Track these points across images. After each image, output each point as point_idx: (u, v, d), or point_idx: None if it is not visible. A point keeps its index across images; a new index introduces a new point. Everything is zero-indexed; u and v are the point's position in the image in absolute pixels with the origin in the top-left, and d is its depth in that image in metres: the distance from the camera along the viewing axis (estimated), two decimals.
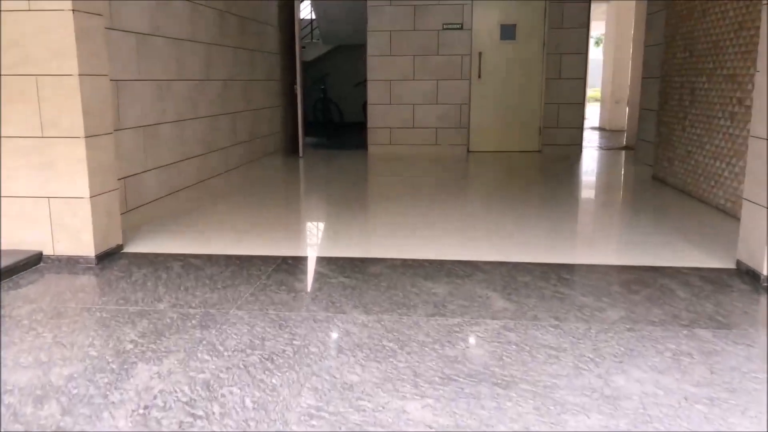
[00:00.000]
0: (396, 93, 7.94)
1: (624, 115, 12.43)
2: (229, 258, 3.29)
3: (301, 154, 7.53)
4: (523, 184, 5.66)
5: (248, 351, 2.18)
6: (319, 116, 11.18)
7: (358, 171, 6.59)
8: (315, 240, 3.78)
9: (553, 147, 7.95)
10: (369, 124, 8.06)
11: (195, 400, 1.85)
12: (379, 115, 8.02)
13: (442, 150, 8.02)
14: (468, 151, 8.07)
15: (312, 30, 11.99)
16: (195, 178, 5.03)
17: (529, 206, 4.58)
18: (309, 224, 4.21)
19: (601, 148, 8.77)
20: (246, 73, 6.21)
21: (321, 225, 4.20)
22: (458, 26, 7.75)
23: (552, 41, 7.73)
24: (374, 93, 7.97)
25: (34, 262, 3.12)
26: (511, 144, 8.07)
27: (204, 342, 2.26)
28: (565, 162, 7.17)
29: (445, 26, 7.77)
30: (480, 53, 7.88)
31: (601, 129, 12.03)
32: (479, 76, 7.94)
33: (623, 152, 8.08)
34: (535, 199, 4.90)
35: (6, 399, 1.86)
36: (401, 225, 3.99)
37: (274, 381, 1.96)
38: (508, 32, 7.86)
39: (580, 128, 7.91)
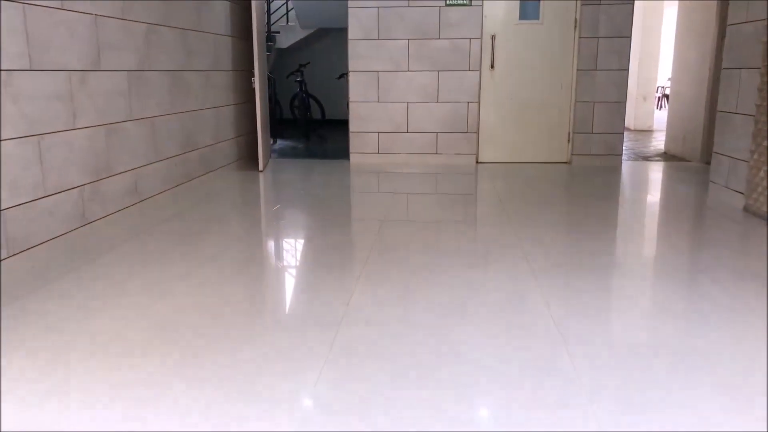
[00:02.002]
0: (385, 88, 6.19)
1: (651, 113, 10.78)
2: None
3: (261, 168, 5.78)
4: (561, 218, 3.95)
5: None
6: (298, 114, 9.41)
7: (334, 195, 4.85)
8: (233, 384, 2.04)
9: (585, 158, 6.23)
10: (351, 128, 6.32)
11: None
12: (363, 117, 6.27)
13: (444, 161, 6.29)
14: (477, 161, 6.35)
15: (287, 11, 10.20)
16: (73, 221, 3.28)
17: (591, 274, 2.87)
18: (230, 339, 2.47)
19: (638, 156, 7.05)
20: (173, 61, 4.44)
21: (255, 332, 2.46)
22: (465, 2, 6.01)
23: (587, 21, 5.99)
24: (357, 88, 6.22)
25: None
26: (532, 153, 6.35)
27: None
28: (605, 178, 5.45)
29: (448, 2, 6.02)
30: (493, 36, 6.14)
31: (624, 129, 10.33)
32: (492, 67, 6.20)
33: (662, 162, 6.37)
34: (593, 252, 3.19)
35: None
36: (395, 328, 2.27)
37: None
38: (529, 10, 6.11)
39: (621, 133, 6.19)
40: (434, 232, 3.62)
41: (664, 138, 8.65)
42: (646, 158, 6.94)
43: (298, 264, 3.07)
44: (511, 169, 6.04)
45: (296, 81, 9.03)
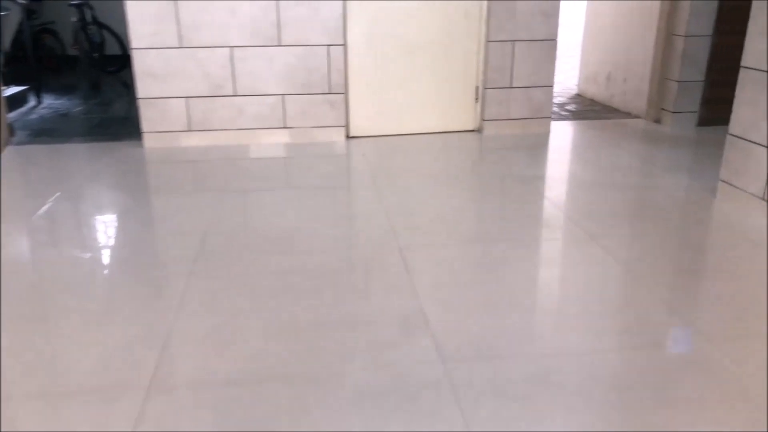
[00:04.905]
0: (191, 23, 3.75)
1: None
2: None
3: None
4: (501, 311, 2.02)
5: None
6: (84, 52, 6.54)
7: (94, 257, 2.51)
8: None
9: (502, 124, 4.29)
10: (141, 92, 3.85)
11: None
12: (157, 73, 3.82)
13: (297, 139, 4.06)
14: (347, 136, 4.19)
15: None
16: None
17: None
18: None
19: (565, 112, 5.26)
20: None
21: None
22: None
23: None
24: (142, 24, 3.72)
25: None
26: (427, 119, 4.29)
27: None
28: (532, 168, 3.58)
29: None
30: None
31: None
32: None
33: (600, 121, 4.61)
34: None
35: None
36: None
37: None
38: None
39: (550, 87, 4.29)
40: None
41: (565, 70, 6.94)
42: (571, 112, 5.17)
43: None
44: (398, 145, 3.98)
45: (71, 5, 6.13)
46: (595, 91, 5.62)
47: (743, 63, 2.79)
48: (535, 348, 1.77)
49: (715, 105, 4.43)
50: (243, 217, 2.80)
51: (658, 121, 4.61)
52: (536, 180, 3.34)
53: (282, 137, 4.03)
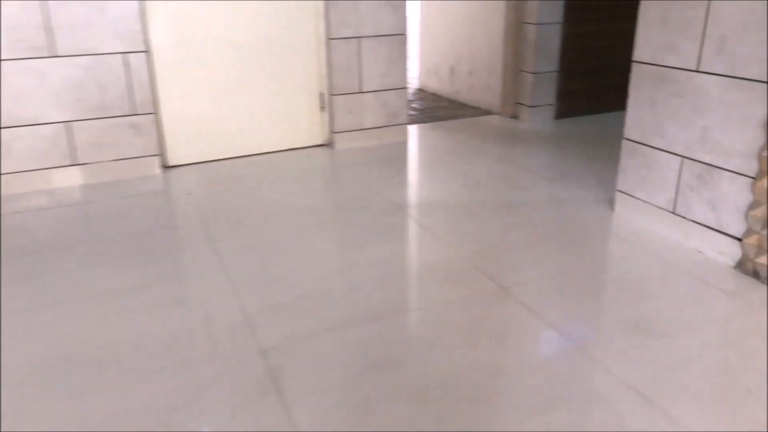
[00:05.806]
0: None
1: None
2: None
3: None
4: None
5: None
6: None
7: None
8: None
9: (355, 135, 3.65)
10: None
11: None
12: None
13: (93, 177, 3.07)
14: (164, 167, 3.28)
15: None
16: None
17: None
18: None
19: (417, 113, 4.76)
20: None
21: None
22: None
23: None
24: None
25: None
26: (265, 138, 3.51)
27: None
28: (389, 195, 3.02)
29: None
30: None
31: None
32: None
33: (454, 121, 4.17)
34: None
35: None
36: None
37: None
38: None
39: (404, 89, 3.73)
40: None
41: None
42: (420, 111, 4.68)
43: None
44: (233, 176, 3.16)
45: None
46: (438, 86, 5.22)
47: (636, 57, 2.40)
48: None
49: (570, 97, 4.19)
50: (19, 320, 1.86)
51: (515, 116, 4.28)
52: (410, 208, 2.75)
53: (73, 178, 3.02)
